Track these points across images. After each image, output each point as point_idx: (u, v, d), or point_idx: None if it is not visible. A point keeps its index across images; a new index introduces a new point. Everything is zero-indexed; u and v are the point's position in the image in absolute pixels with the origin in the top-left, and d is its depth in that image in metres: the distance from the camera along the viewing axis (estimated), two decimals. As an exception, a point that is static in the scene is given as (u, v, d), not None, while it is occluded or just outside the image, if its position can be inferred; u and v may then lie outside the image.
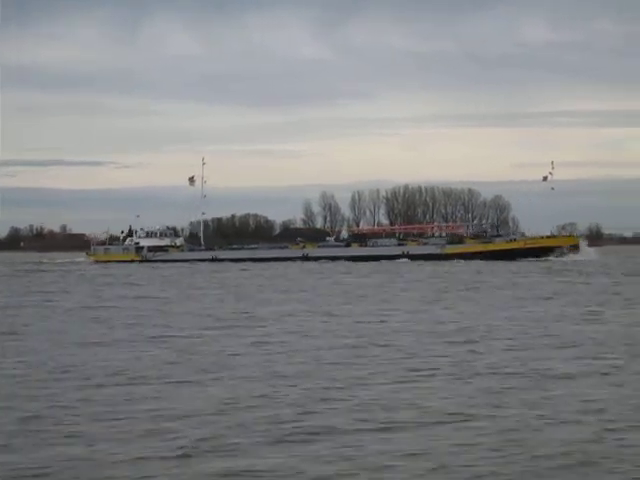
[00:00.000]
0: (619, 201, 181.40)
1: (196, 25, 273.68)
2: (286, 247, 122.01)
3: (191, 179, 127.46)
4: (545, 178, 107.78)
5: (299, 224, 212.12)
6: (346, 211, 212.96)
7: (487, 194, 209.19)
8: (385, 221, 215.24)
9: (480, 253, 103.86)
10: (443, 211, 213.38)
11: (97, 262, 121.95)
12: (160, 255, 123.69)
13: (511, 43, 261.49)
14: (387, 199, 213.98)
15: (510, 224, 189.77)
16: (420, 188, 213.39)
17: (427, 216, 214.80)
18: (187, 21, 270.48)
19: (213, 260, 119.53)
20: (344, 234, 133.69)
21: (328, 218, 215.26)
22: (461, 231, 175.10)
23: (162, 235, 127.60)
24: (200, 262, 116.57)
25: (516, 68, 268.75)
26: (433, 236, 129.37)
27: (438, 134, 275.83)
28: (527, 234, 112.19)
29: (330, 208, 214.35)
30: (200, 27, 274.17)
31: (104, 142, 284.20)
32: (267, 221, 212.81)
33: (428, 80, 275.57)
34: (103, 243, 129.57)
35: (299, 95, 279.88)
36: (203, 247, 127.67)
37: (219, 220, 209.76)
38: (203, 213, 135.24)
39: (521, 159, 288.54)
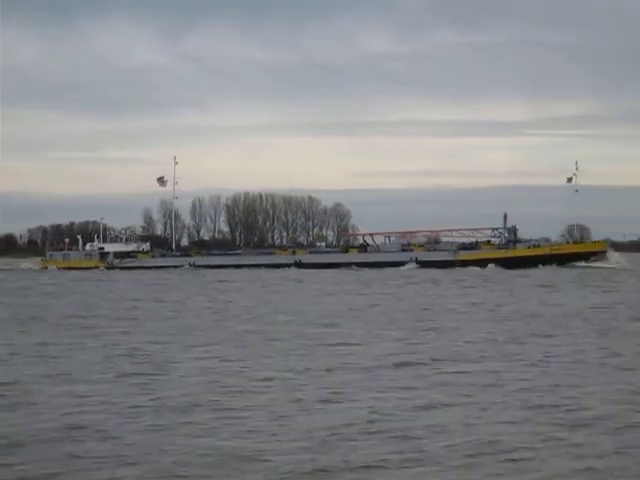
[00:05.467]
0: (457, 210, 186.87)
1: (35, 31, 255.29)
2: (273, 253, 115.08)
3: (161, 179, 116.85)
4: (570, 179, 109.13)
5: (139, 231, 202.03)
6: (187, 218, 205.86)
7: (328, 202, 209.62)
8: (225, 228, 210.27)
9: (498, 260, 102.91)
10: (284, 218, 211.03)
11: (59, 269, 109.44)
12: (128, 261, 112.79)
13: (355, 53, 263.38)
14: (228, 206, 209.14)
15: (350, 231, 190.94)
16: (260, 195, 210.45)
17: (267, 223, 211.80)
18: (25, 27, 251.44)
19: (192, 266, 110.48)
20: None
21: (168, 225, 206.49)
22: (302, 239, 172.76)
23: (128, 240, 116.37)
24: (174, 268, 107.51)
25: (360, 78, 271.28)
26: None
27: (280, 143, 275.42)
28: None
29: (170, 215, 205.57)
30: (39, 34, 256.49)
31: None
32: (106, 228, 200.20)
33: (271, 89, 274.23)
34: (61, 249, 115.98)
35: (139, 103, 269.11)
36: (177, 253, 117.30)
37: (58, 226, 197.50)
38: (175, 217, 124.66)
39: (362, 168, 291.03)
